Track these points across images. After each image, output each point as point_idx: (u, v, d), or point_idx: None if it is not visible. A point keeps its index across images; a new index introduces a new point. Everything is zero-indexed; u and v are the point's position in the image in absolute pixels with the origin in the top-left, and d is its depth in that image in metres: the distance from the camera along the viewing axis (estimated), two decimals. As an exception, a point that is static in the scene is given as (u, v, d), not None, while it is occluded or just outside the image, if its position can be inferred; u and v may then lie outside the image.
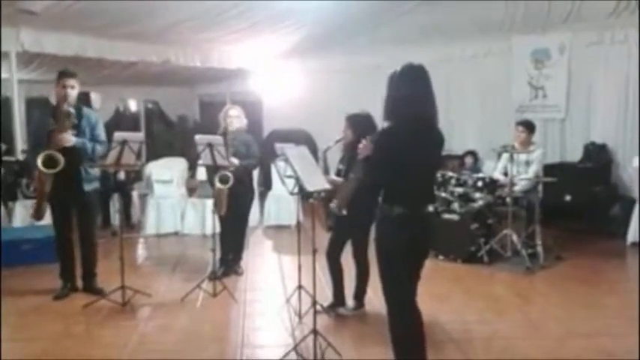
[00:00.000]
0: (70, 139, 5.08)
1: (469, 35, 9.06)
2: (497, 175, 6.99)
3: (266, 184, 9.18)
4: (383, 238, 3.26)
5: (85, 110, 5.34)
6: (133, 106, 12.71)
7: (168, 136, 12.34)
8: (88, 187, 5.38)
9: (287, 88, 11.13)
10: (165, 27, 8.04)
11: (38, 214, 5.19)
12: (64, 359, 4.09)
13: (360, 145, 3.31)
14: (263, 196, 8.95)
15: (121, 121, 12.18)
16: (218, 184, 5.54)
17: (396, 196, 3.16)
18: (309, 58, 10.68)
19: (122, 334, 4.54)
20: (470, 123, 8.96)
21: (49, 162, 4.91)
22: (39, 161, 4.87)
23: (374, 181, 3.25)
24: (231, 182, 5.53)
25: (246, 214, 6.31)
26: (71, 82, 5.21)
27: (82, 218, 5.47)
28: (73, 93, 5.21)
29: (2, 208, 8.14)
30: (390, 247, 3.21)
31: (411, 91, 3.13)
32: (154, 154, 10.39)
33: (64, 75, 5.24)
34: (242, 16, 8.04)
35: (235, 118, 6.00)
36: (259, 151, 6.18)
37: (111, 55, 8.40)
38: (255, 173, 6.53)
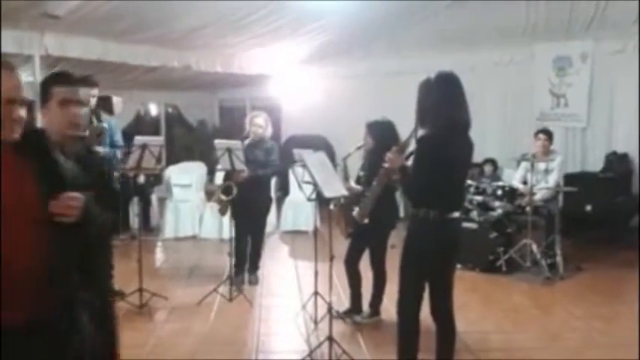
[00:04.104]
0: (99, 151, 5.16)
1: (490, 42, 9.00)
2: (517, 184, 6.94)
3: (283, 190, 9.19)
4: (417, 242, 3.32)
5: (104, 117, 5.38)
6: (153, 110, 12.80)
7: (187, 141, 12.39)
8: None
9: (306, 93, 11.15)
10: (186, 32, 8.09)
11: None
12: None
13: (388, 157, 3.33)
14: (280, 202, 8.97)
15: (141, 124, 12.27)
16: (222, 196, 5.58)
17: (432, 201, 3.22)
18: (329, 64, 10.69)
19: (139, 336, 4.57)
20: (490, 131, 8.89)
21: None
22: None
23: (418, 189, 3.29)
24: (234, 194, 5.54)
25: (263, 222, 6.26)
26: (95, 91, 5.23)
27: None
28: (94, 102, 5.25)
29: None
30: (425, 250, 3.28)
31: (446, 97, 3.21)
32: (173, 158, 10.46)
33: (87, 84, 5.22)
34: (262, 22, 8.07)
35: (260, 128, 5.92)
36: (279, 159, 6.13)
37: (133, 60, 8.46)
38: (273, 179, 6.52)
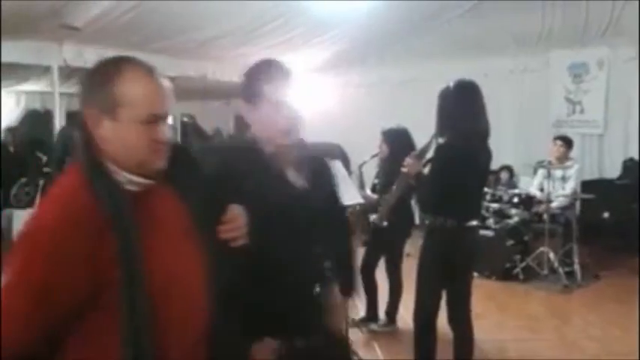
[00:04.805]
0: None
1: (505, 49, 8.99)
2: (534, 191, 6.91)
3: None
4: (434, 250, 3.32)
5: None
6: (169, 119, 12.93)
7: (203, 149, 12.50)
8: None
9: (320, 101, 11.16)
10: (203, 42, 8.17)
11: None
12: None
13: (407, 161, 3.34)
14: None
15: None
16: None
17: (449, 209, 3.22)
18: (343, 72, 10.71)
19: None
20: (505, 138, 8.84)
21: None
22: None
23: (431, 197, 3.30)
24: None
25: None
26: None
27: None
28: None
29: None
30: (442, 258, 3.28)
31: (466, 106, 3.21)
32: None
33: None
34: (277, 32, 8.13)
35: None
36: None
37: (150, 70, 8.56)
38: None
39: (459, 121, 3.20)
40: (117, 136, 1.42)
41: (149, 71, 1.48)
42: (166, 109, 1.50)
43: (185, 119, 13.27)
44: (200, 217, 1.56)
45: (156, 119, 1.46)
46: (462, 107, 3.22)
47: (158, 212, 1.50)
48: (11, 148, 9.24)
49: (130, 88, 1.43)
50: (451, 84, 3.30)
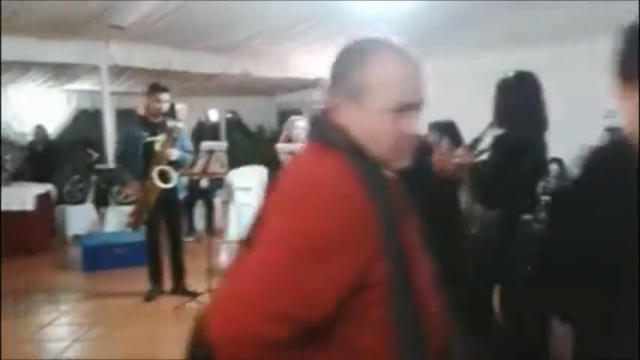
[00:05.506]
0: (175, 152, 5.34)
1: (552, 39, 8.83)
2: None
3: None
4: (490, 244, 3.30)
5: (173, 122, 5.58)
6: (213, 116, 13.05)
7: (247, 145, 12.59)
8: (180, 195, 5.68)
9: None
10: (245, 39, 8.23)
11: (138, 223, 5.46)
12: (155, 359, 4.27)
13: (459, 152, 3.33)
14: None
15: (202, 131, 12.54)
16: None
17: (505, 201, 3.18)
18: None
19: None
20: (554, 130, 8.67)
21: (162, 176, 5.19)
22: (154, 176, 5.13)
23: (488, 188, 3.25)
24: None
25: None
26: (166, 96, 5.45)
27: (172, 224, 5.70)
28: (166, 107, 5.47)
29: (95, 213, 8.60)
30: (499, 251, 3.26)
31: (527, 97, 3.18)
32: (235, 163, 10.63)
33: (160, 90, 5.45)
34: (318, 28, 8.14)
35: (302, 130, 6.00)
36: None
37: (195, 68, 8.67)
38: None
39: (520, 113, 3.16)
40: (362, 126, 1.26)
41: (401, 54, 1.30)
42: (420, 97, 1.29)
43: (229, 115, 13.42)
44: (425, 229, 1.37)
45: (406, 108, 1.27)
46: (523, 98, 3.17)
47: (399, 211, 1.29)
48: (40, 147, 9.53)
49: (378, 73, 1.26)
50: (510, 74, 3.25)
